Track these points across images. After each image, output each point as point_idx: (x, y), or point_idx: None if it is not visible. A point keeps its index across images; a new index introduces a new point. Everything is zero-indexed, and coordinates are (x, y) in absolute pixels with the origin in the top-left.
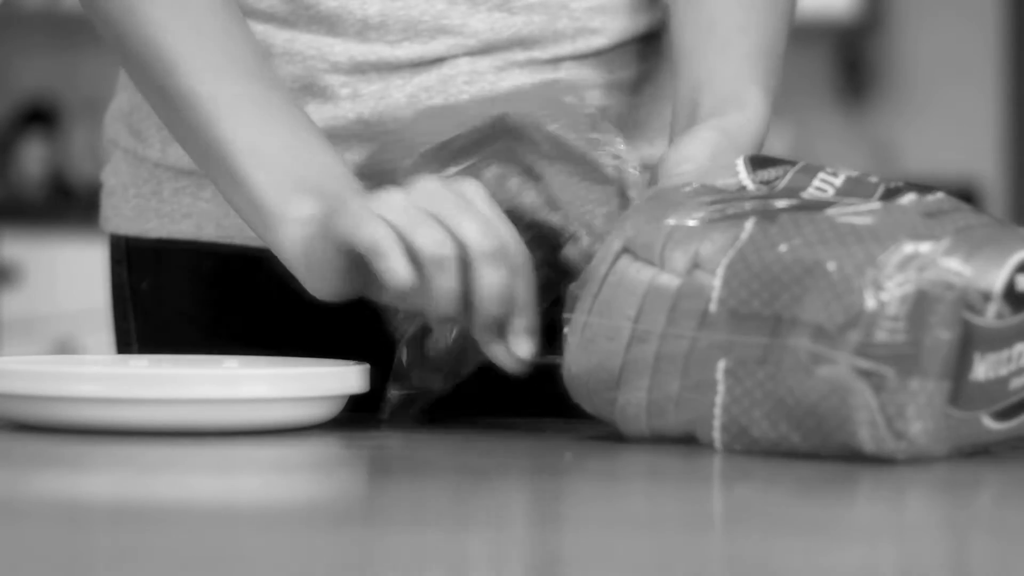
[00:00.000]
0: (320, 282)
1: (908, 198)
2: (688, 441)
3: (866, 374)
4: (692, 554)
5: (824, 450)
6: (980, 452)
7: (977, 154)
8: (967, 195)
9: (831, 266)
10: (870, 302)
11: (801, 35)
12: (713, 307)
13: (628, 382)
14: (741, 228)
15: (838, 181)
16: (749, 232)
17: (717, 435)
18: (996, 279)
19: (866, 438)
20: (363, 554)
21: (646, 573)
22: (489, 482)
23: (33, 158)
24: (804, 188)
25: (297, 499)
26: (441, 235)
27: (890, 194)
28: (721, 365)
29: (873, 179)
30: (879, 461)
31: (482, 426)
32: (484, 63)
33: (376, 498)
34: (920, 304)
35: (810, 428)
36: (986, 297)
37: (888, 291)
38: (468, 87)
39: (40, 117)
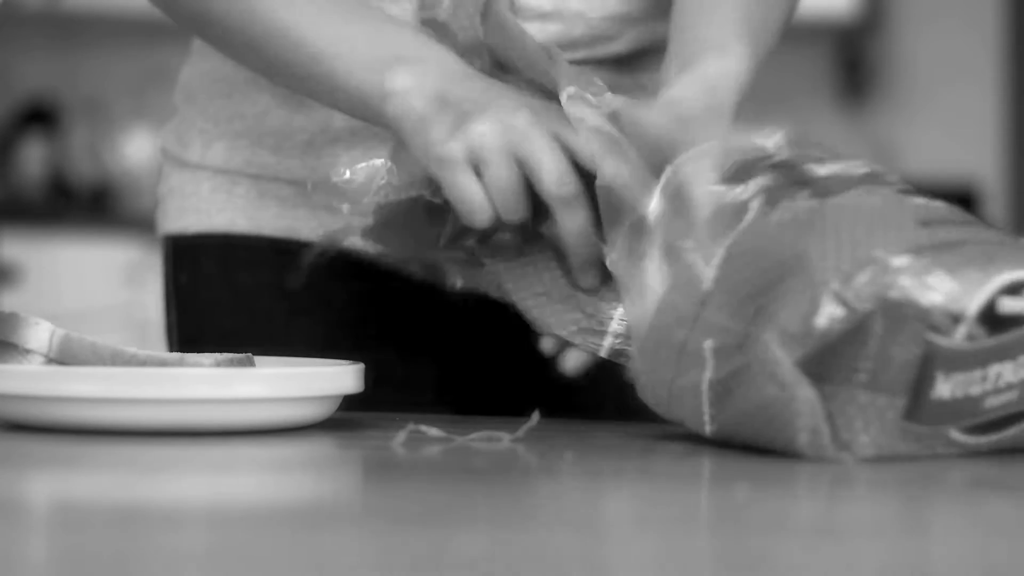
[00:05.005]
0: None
1: (916, 201)
2: (684, 441)
3: (816, 381)
4: (690, 554)
5: (772, 447)
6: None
7: (977, 154)
8: (967, 196)
9: (803, 270)
10: (829, 311)
11: (801, 35)
12: (707, 286)
13: (647, 366)
14: (746, 209)
15: (860, 171)
16: (752, 215)
17: (706, 410)
18: (971, 301)
19: (805, 444)
20: (362, 554)
21: (646, 573)
22: (488, 482)
23: (33, 158)
24: (825, 163)
25: (297, 499)
26: (561, 169)
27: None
28: (708, 344)
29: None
30: (875, 460)
31: (481, 426)
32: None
33: (375, 498)
34: (878, 320)
35: (761, 424)
36: (955, 319)
37: (848, 304)
38: None
39: (40, 117)
